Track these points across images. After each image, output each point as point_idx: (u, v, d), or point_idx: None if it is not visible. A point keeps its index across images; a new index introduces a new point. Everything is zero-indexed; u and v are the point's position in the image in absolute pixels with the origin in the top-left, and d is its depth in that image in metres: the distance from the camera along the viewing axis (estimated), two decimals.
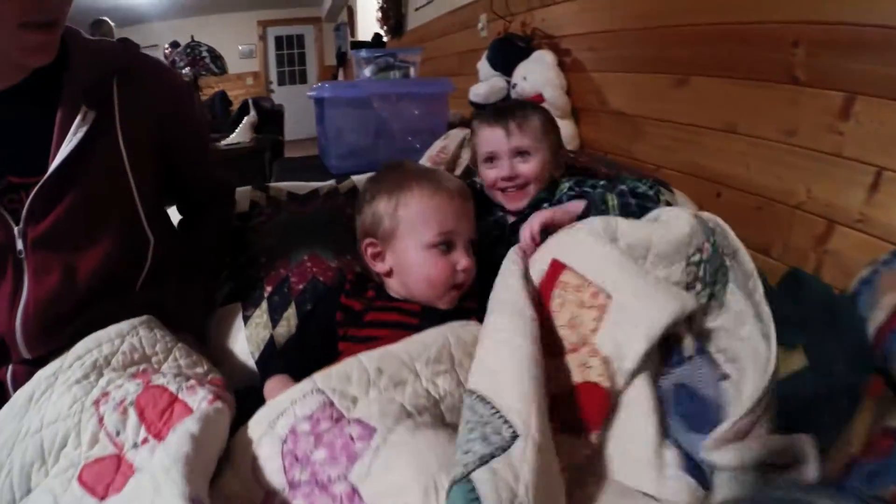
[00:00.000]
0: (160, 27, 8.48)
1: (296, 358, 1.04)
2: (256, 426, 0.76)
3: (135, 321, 0.94)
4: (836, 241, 1.20)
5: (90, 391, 0.81)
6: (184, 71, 3.42)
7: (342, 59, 8.39)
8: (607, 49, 1.99)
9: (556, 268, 0.93)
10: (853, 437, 0.78)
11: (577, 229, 0.99)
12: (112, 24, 4.30)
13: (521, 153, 1.29)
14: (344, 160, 2.10)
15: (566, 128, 2.07)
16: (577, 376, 0.81)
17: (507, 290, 0.89)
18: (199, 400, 0.80)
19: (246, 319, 1.16)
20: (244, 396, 1.04)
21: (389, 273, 1.08)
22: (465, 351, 0.88)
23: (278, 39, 10.29)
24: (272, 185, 1.50)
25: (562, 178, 1.35)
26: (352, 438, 0.71)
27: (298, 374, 0.85)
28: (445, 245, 1.03)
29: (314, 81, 9.98)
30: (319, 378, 0.79)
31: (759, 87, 1.37)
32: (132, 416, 0.78)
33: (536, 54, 2.21)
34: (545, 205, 1.25)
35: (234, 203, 1.37)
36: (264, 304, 1.16)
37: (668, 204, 1.14)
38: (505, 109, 1.35)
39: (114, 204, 0.99)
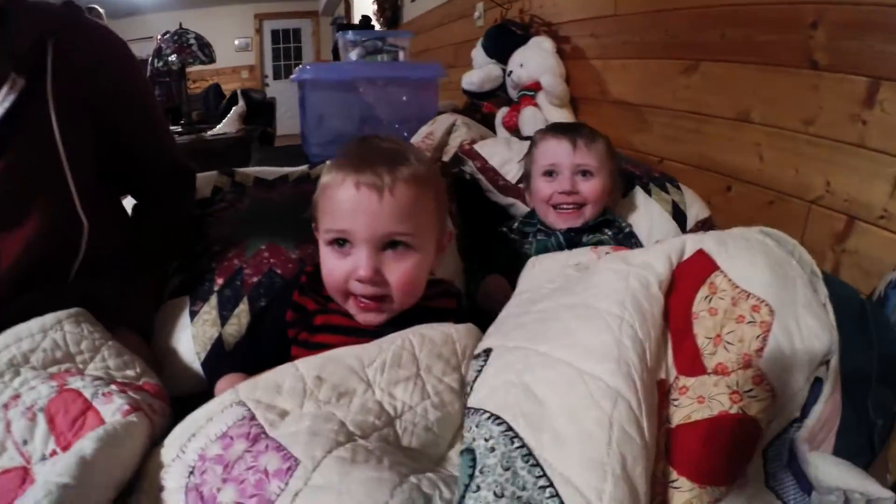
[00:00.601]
0: (155, 19, 8.41)
1: (248, 361, 0.90)
2: (169, 447, 0.65)
3: (60, 314, 0.84)
4: (857, 239, 1.13)
5: (1, 392, 0.72)
6: (170, 59, 3.32)
7: (338, 53, 8.37)
8: (610, 35, 1.91)
9: (706, 263, 0.74)
10: (890, 460, 0.68)
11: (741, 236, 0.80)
12: (101, 10, 4.21)
13: (583, 171, 1.26)
14: (325, 148, 2.00)
15: (564, 118, 1.98)
16: (725, 405, 0.61)
17: (602, 296, 0.70)
18: (113, 410, 0.70)
19: (193, 315, 1.04)
20: (189, 406, 0.95)
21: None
22: (433, 353, 0.75)
23: (275, 33, 10.27)
24: (239, 169, 1.40)
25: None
26: (266, 474, 0.57)
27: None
28: (339, 243, 0.85)
29: None
30: (243, 387, 0.68)
31: (774, 72, 1.28)
32: (41, 423, 0.69)
33: (534, 40, 2.12)
34: (607, 231, 1.27)
35: (194, 189, 1.26)
36: (214, 299, 1.05)
37: None
38: (572, 126, 1.36)
39: (41, 181, 0.91)
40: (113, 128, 1.01)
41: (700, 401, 0.62)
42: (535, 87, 2.00)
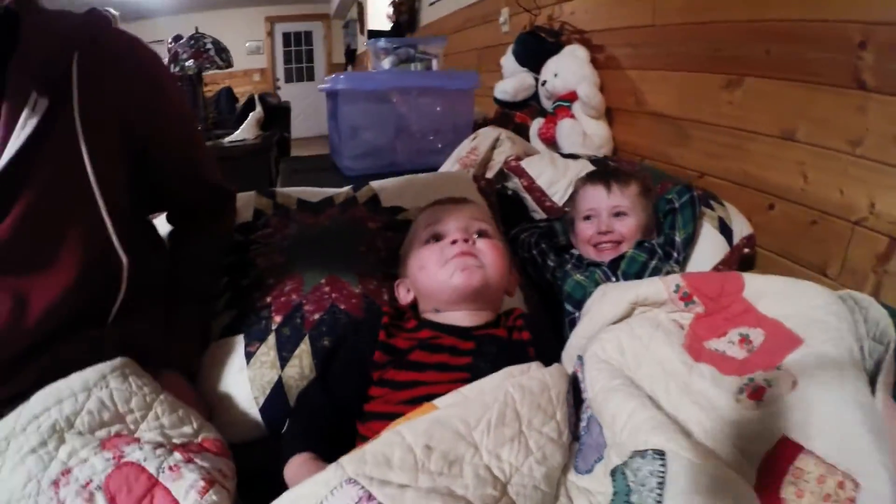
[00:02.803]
0: (166, 22, 8.39)
1: (319, 419, 0.89)
2: None
3: (104, 368, 0.76)
4: None
5: (48, 465, 0.67)
6: (187, 64, 3.27)
7: (351, 56, 8.36)
8: (648, 46, 1.88)
9: (791, 451, 0.74)
10: None
11: (823, 385, 0.75)
12: (116, 13, 4.20)
13: (618, 213, 1.34)
14: (359, 161, 1.98)
15: (599, 129, 1.97)
16: None
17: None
18: (187, 488, 0.66)
19: (249, 357, 0.97)
20: (246, 453, 0.90)
21: (413, 298, 1.05)
22: (533, 404, 0.74)
23: (286, 36, 10.25)
24: (279, 190, 1.33)
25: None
26: None
27: (324, 445, 0.76)
28: (434, 238, 1.02)
29: (322, 79, 9.98)
30: (350, 463, 0.63)
31: (821, 91, 1.27)
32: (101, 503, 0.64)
33: (568, 49, 2.10)
34: (643, 255, 1.31)
35: (235, 212, 1.19)
36: (272, 339, 0.98)
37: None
38: (608, 172, 1.45)
39: (73, 216, 0.81)
40: (146, 148, 0.93)
41: None
42: (571, 97, 1.98)
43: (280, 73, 10.26)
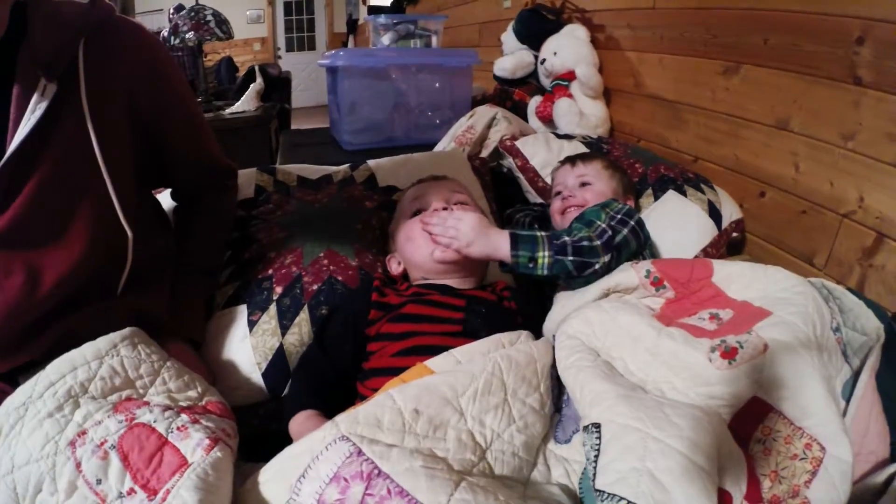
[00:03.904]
0: None
1: (319, 378, 0.95)
2: (273, 484, 0.66)
3: (114, 337, 0.81)
4: (885, 256, 1.15)
5: (64, 427, 0.71)
6: (187, 36, 3.21)
7: (353, 26, 8.21)
8: (647, 28, 1.88)
9: (761, 410, 0.77)
10: None
11: (791, 351, 0.79)
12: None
13: (582, 183, 1.37)
14: (358, 135, 2.00)
15: (596, 109, 1.97)
16: None
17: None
18: (193, 447, 0.70)
19: (251, 325, 1.03)
20: (249, 416, 0.98)
21: (403, 269, 1.14)
22: (519, 375, 0.78)
23: (287, 5, 9.92)
24: (280, 167, 1.38)
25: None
26: None
27: (325, 403, 0.81)
28: (419, 212, 1.12)
29: (323, 49, 9.87)
30: (344, 421, 0.68)
31: (817, 83, 1.28)
32: (115, 461, 0.68)
33: (568, 28, 2.09)
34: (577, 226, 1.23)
35: (237, 188, 1.24)
36: (273, 308, 1.04)
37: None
38: (577, 154, 1.49)
39: (81, 193, 0.86)
40: (150, 129, 0.97)
41: None
42: (570, 76, 1.98)
43: (281, 43, 9.98)
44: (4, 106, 0.79)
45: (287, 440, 0.82)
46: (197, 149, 1.10)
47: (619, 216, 1.16)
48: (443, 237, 1.02)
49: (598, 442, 0.68)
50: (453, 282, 1.06)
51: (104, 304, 0.90)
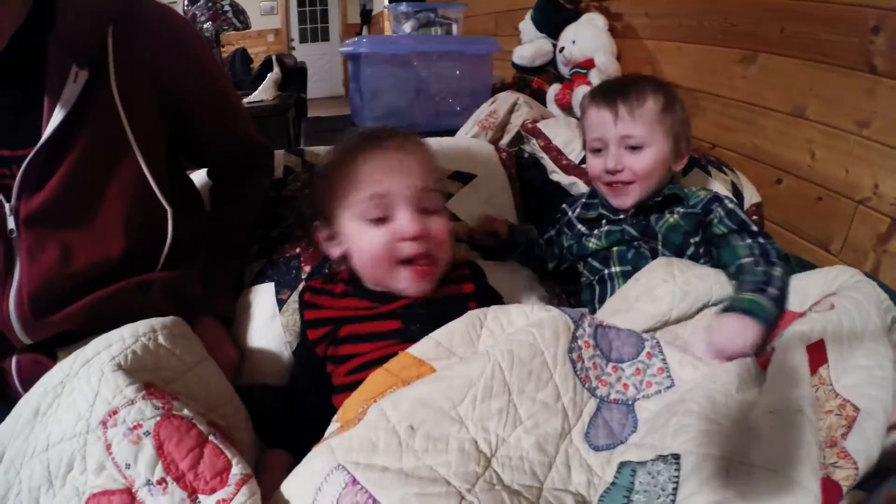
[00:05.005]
0: None
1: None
2: None
3: (154, 322, 0.79)
4: None
5: (94, 402, 0.69)
6: (205, 26, 3.22)
7: (367, 16, 8.18)
8: (665, 16, 1.90)
9: (821, 357, 0.79)
10: None
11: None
12: None
13: (631, 146, 1.13)
14: (379, 122, 2.02)
15: None
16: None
17: None
18: (237, 459, 0.69)
19: (281, 304, 1.04)
20: (275, 396, 1.00)
21: (345, 257, 0.97)
22: (524, 372, 0.73)
23: None
24: (307, 149, 1.39)
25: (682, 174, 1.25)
26: None
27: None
28: (380, 219, 0.89)
29: (336, 40, 9.88)
30: (339, 448, 0.65)
31: (833, 72, 1.30)
32: (148, 448, 0.66)
33: (586, 17, 2.11)
34: (675, 212, 1.13)
35: (272, 169, 1.25)
36: (302, 288, 1.04)
37: None
38: (617, 87, 1.17)
39: (114, 173, 0.89)
40: (180, 107, 0.99)
41: None
42: (588, 64, 1.99)
43: (294, 34, 10.02)
44: (38, 92, 0.82)
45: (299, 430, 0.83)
46: (229, 125, 1.12)
47: (736, 213, 1.10)
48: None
49: (677, 475, 0.65)
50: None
51: (143, 277, 0.93)
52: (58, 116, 0.82)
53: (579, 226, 1.24)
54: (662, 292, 0.99)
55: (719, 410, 0.69)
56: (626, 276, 1.11)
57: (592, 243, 1.18)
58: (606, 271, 1.16)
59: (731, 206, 1.12)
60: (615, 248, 1.15)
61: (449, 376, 0.72)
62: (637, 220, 1.15)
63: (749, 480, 0.59)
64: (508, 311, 0.85)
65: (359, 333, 0.90)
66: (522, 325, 0.81)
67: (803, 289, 0.95)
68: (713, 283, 1.00)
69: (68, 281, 0.86)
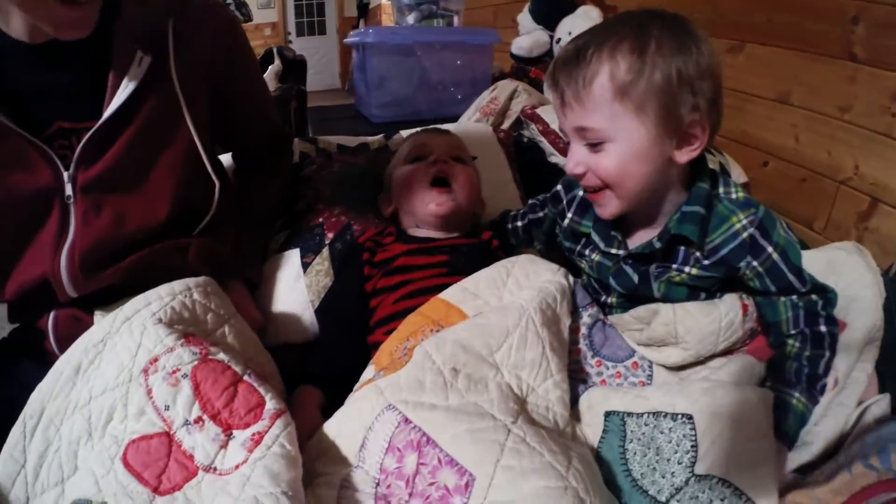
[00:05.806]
0: None
1: (328, 342, 1.03)
2: (337, 454, 0.69)
3: (189, 281, 0.85)
4: (879, 220, 1.24)
5: (136, 354, 0.72)
6: None
7: (364, 10, 8.16)
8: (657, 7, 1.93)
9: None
10: None
11: None
12: None
13: (591, 144, 0.81)
14: (385, 109, 2.09)
15: None
16: None
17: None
18: (270, 390, 0.73)
19: (305, 267, 1.13)
20: (297, 357, 1.05)
21: (395, 211, 1.19)
22: (552, 325, 0.79)
23: None
24: (320, 137, 1.47)
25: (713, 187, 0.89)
26: (447, 490, 0.60)
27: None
28: (418, 158, 1.17)
29: (334, 33, 9.79)
30: (388, 388, 0.69)
31: (816, 60, 1.36)
32: (185, 389, 0.69)
33: (582, 9, 2.17)
34: (687, 262, 0.86)
35: (293, 153, 1.34)
36: (325, 251, 1.14)
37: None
38: (567, 57, 0.81)
39: (168, 148, 0.97)
40: (227, 97, 1.08)
41: None
42: None
43: (291, 27, 9.88)
44: (101, 71, 0.89)
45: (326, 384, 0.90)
46: (263, 114, 1.22)
47: (779, 270, 0.84)
48: None
49: (693, 433, 0.69)
50: (439, 234, 1.13)
51: (182, 240, 1.00)
52: (121, 95, 0.89)
53: (568, 243, 1.04)
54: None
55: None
56: (626, 308, 0.94)
57: (584, 265, 1.01)
58: (604, 297, 1.00)
59: (775, 256, 0.84)
60: (611, 278, 0.95)
61: (486, 324, 0.77)
62: (633, 261, 0.92)
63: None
64: (536, 263, 0.92)
65: (411, 264, 1.03)
66: (546, 280, 0.87)
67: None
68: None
69: (118, 242, 0.92)
